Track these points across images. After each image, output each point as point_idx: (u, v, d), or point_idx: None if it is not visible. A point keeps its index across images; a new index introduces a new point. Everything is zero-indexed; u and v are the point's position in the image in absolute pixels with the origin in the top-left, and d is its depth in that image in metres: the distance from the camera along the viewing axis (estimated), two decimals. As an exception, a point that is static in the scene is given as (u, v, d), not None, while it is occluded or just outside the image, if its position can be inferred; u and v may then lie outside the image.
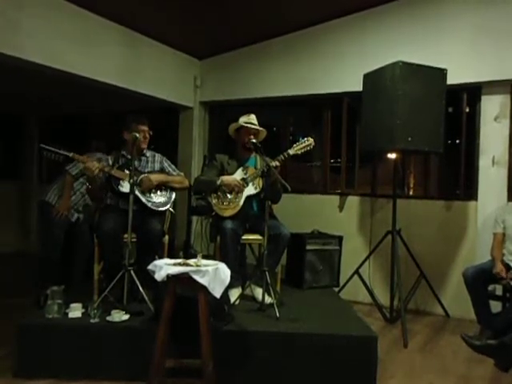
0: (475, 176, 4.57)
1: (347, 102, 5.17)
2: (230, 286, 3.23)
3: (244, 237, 3.73)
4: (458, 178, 4.76)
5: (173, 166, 3.87)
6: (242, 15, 4.80)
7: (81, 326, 2.97)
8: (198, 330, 2.51)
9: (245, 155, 3.88)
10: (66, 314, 3.05)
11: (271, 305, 3.25)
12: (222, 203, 3.72)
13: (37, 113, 7.72)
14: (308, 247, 4.40)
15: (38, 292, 3.91)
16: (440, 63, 3.98)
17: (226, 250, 3.55)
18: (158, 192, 3.65)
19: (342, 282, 4.54)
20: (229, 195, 3.74)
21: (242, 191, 3.73)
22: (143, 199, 3.54)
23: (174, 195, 3.74)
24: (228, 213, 3.68)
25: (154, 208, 3.58)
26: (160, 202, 3.63)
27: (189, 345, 2.72)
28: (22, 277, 5.51)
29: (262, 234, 3.52)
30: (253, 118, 3.84)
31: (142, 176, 3.59)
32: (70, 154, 3.40)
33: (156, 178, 3.62)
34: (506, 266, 3.77)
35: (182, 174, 3.90)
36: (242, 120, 3.83)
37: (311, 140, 3.68)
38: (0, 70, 4.24)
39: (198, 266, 2.56)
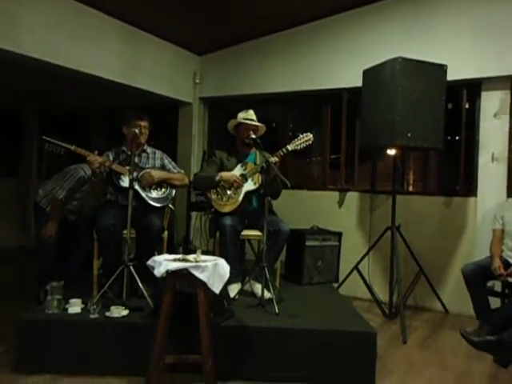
0: (475, 172, 4.57)
1: (347, 97, 5.17)
2: (230, 282, 3.24)
3: (243, 233, 3.73)
4: (457, 174, 4.77)
5: (173, 163, 3.87)
6: (241, 11, 4.79)
7: (80, 321, 2.97)
8: (198, 325, 2.52)
9: (244, 151, 3.88)
10: (66, 309, 3.05)
11: (270, 300, 3.25)
12: (222, 199, 3.72)
13: (36, 108, 7.70)
14: (307, 243, 4.40)
15: (37, 287, 3.92)
16: (440, 59, 3.98)
17: (225, 245, 3.55)
18: (158, 188, 3.65)
19: (341, 278, 4.54)
20: (228, 191, 3.73)
21: (241, 187, 3.73)
22: (143, 194, 3.54)
23: (173, 192, 3.74)
24: (227, 208, 3.68)
25: (154, 204, 3.58)
26: (160, 198, 3.63)
27: (188, 340, 2.72)
28: (21, 272, 5.51)
29: (261, 230, 3.52)
30: (251, 113, 3.83)
31: (144, 172, 3.59)
32: (72, 147, 3.39)
33: (157, 174, 3.62)
34: (505, 262, 3.78)
35: (183, 171, 3.90)
36: (241, 116, 3.82)
37: (310, 135, 3.67)
38: (-1, 64, 4.23)
39: (197, 261, 2.56)
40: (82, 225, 4.32)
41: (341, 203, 5.17)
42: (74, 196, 4.20)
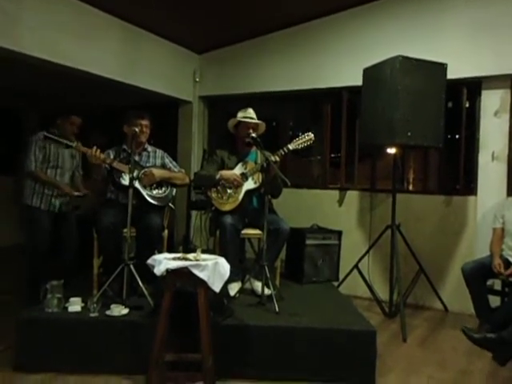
0: (475, 171, 4.57)
1: (347, 96, 5.16)
2: (230, 280, 3.25)
3: (244, 231, 3.74)
4: (457, 173, 4.76)
5: (174, 163, 3.87)
6: (241, 9, 4.78)
7: (80, 320, 2.97)
8: (198, 323, 2.52)
9: (245, 150, 3.88)
10: (66, 308, 3.06)
11: (271, 298, 3.25)
12: (222, 197, 3.72)
13: (37, 107, 7.69)
14: (307, 242, 4.39)
15: (30, 286, 3.89)
16: (440, 58, 3.97)
17: (225, 244, 3.56)
18: (159, 187, 3.65)
19: (341, 277, 4.54)
20: (228, 190, 3.73)
21: (241, 185, 3.73)
22: (143, 193, 3.54)
23: (174, 191, 3.74)
24: (227, 207, 3.69)
25: (155, 202, 3.58)
26: (160, 197, 3.63)
27: (188, 339, 2.72)
28: (20, 270, 5.50)
29: (261, 229, 3.52)
30: (250, 112, 3.83)
31: (146, 170, 3.59)
32: (74, 144, 3.38)
33: (159, 172, 3.63)
34: (506, 261, 3.78)
35: (183, 170, 3.90)
36: (240, 115, 3.81)
37: (311, 135, 3.67)
38: (-1, 63, 4.23)
39: (197, 260, 2.57)
40: (72, 219, 4.25)
41: (341, 202, 5.17)
42: (48, 165, 4.10)
